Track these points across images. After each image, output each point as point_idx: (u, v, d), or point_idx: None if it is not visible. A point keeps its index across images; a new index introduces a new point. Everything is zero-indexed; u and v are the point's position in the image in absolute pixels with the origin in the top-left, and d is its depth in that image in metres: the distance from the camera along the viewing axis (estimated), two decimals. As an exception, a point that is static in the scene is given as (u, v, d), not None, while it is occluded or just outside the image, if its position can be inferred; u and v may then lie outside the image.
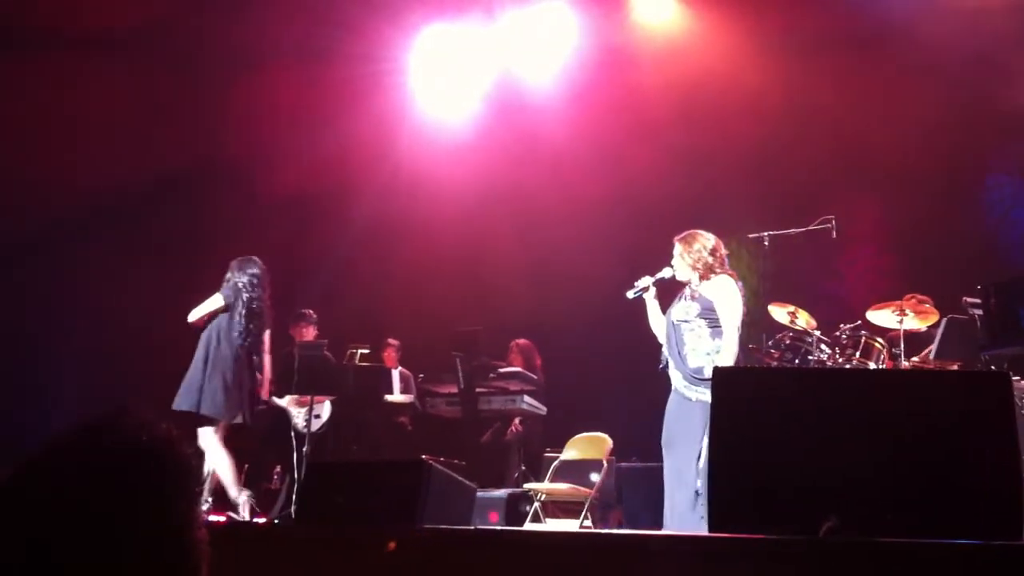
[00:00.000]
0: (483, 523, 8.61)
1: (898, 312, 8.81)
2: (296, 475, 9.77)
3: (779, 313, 9.07)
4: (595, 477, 9.88)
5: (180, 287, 9.41)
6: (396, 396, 11.95)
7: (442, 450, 10.20)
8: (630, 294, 7.60)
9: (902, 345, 8.76)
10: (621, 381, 11.31)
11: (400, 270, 13.28)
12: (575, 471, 10.00)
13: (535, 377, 11.06)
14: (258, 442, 11.23)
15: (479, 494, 7.41)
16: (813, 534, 3.78)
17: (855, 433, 4.17)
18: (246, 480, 11.65)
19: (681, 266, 7.48)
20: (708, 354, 7.20)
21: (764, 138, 11.71)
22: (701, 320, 7.28)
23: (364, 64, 12.64)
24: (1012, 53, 10.66)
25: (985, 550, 3.48)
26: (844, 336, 8.81)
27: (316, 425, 10.51)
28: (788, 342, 8.77)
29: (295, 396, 10.35)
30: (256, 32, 11.83)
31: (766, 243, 9.23)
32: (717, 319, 7.26)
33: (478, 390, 10.67)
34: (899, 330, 8.84)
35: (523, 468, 10.81)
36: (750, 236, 9.40)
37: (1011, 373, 6.16)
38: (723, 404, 4.56)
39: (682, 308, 7.41)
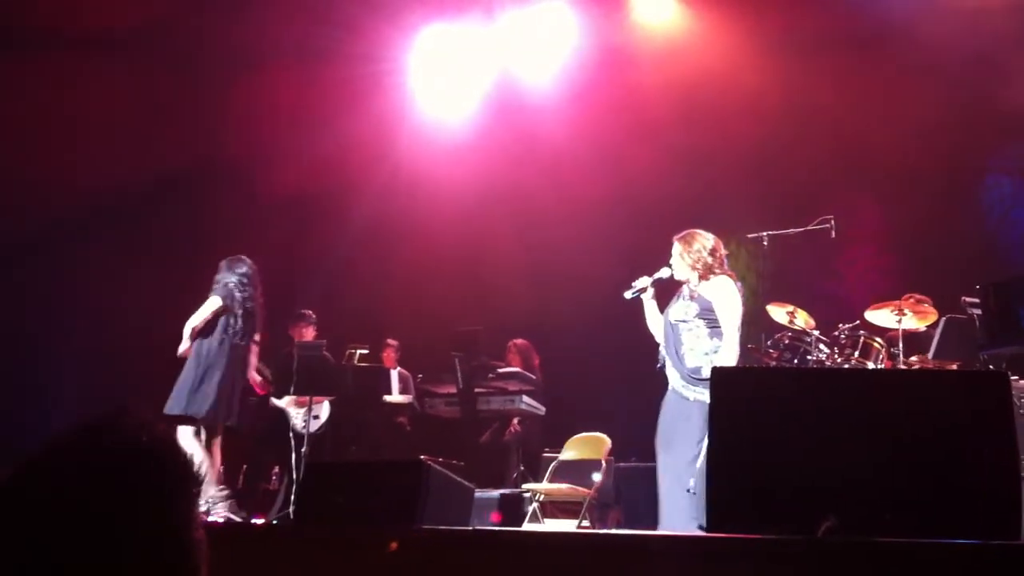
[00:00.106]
0: (482, 523, 8.60)
1: (897, 312, 8.82)
2: (295, 475, 9.76)
3: (778, 313, 9.07)
4: (594, 477, 9.88)
5: (180, 287, 9.41)
6: (395, 396, 11.95)
7: (441, 450, 10.21)
8: (628, 294, 7.59)
9: (901, 345, 8.75)
10: (620, 381, 11.30)
11: (400, 270, 13.29)
12: (574, 471, 10.00)
13: (534, 377, 11.05)
14: (256, 443, 11.24)
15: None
16: (812, 534, 3.78)
17: (854, 433, 4.18)
18: (245, 481, 11.69)
19: (680, 266, 7.47)
20: (706, 354, 7.20)
21: (764, 138, 11.71)
22: (699, 320, 7.27)
23: (364, 64, 12.64)
24: (1012, 53, 10.65)
25: (984, 550, 3.48)
26: (843, 336, 8.81)
27: (315, 425, 10.51)
28: (787, 342, 8.77)
29: (294, 396, 10.34)
30: (256, 32, 11.83)
31: (765, 243, 9.23)
32: (715, 319, 7.25)
33: (477, 390, 10.66)
34: (898, 330, 8.83)
35: (522, 468, 10.80)
36: (749, 236, 9.40)
37: (1010, 373, 6.17)
38: (722, 404, 4.57)
39: (680, 308, 7.40)
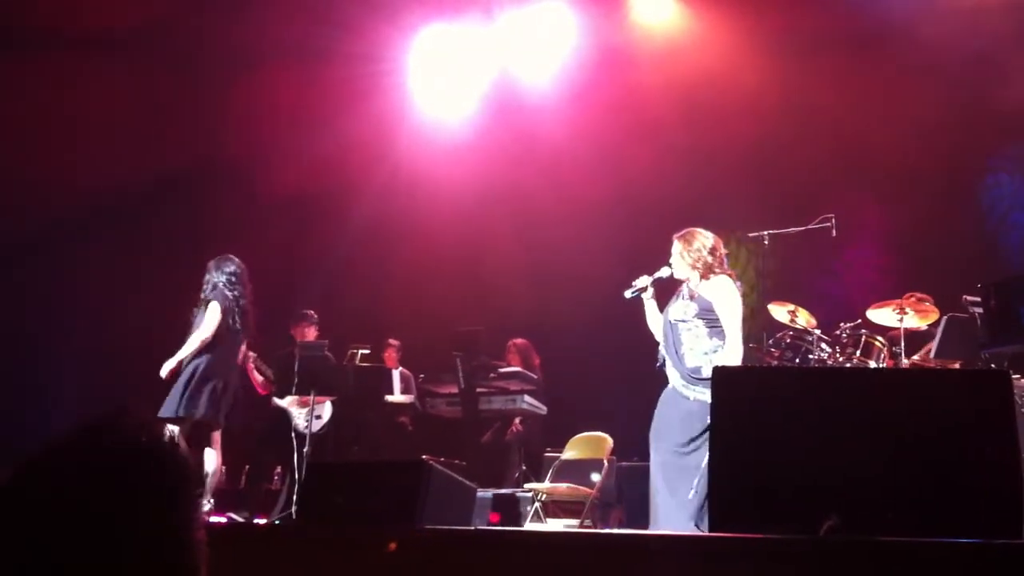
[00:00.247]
0: (482, 523, 8.61)
1: (898, 311, 8.81)
2: (297, 475, 9.75)
3: (779, 312, 9.07)
4: (596, 477, 9.87)
5: (180, 287, 9.39)
6: (397, 396, 11.95)
7: (442, 450, 10.21)
8: (628, 294, 7.57)
9: (903, 344, 8.75)
10: (620, 381, 11.29)
11: (399, 270, 13.28)
12: (576, 471, 9.99)
13: (535, 377, 11.06)
14: (258, 443, 11.24)
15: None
16: (814, 533, 3.78)
17: (856, 432, 4.17)
18: (247, 481, 11.70)
19: (680, 265, 7.44)
20: (706, 353, 7.17)
21: (764, 138, 11.71)
22: (699, 320, 7.25)
23: (363, 64, 12.64)
24: (1011, 53, 10.66)
25: (986, 549, 3.47)
26: (844, 335, 8.81)
27: (317, 425, 10.50)
28: (788, 341, 8.76)
29: (296, 396, 10.34)
30: (256, 32, 11.83)
31: (766, 242, 9.22)
32: (715, 319, 7.22)
33: (478, 390, 10.67)
34: (899, 329, 8.83)
35: (524, 468, 10.81)
36: (750, 235, 9.39)
37: (1011, 371, 6.17)
38: (724, 403, 4.56)
39: (680, 307, 7.38)
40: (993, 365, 7.85)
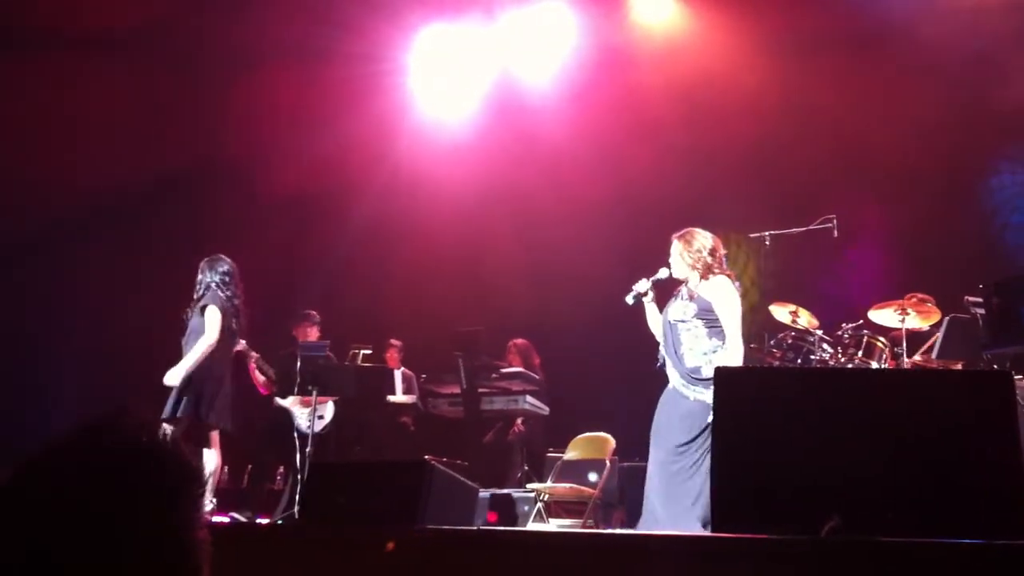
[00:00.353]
0: (481, 523, 8.60)
1: (900, 311, 8.80)
2: (299, 475, 9.75)
3: (781, 312, 9.06)
4: (598, 477, 9.87)
5: (180, 287, 9.37)
6: (399, 397, 11.95)
7: (444, 450, 10.20)
8: (629, 299, 7.55)
9: (904, 344, 8.74)
10: (620, 381, 11.29)
11: (400, 270, 13.28)
12: (578, 471, 9.99)
13: (537, 377, 11.06)
14: (260, 443, 11.24)
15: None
16: (815, 534, 3.77)
17: (857, 433, 4.17)
18: (249, 480, 11.71)
19: (680, 264, 7.44)
20: (705, 354, 7.18)
21: (763, 138, 11.70)
22: (698, 320, 7.25)
23: (364, 64, 12.64)
24: (1011, 53, 10.66)
25: (987, 549, 3.47)
26: (846, 335, 8.80)
27: (319, 425, 10.49)
28: (790, 341, 8.75)
29: (298, 396, 10.34)
30: (256, 32, 11.83)
31: (767, 243, 9.22)
32: (715, 319, 7.22)
33: (480, 390, 10.67)
34: (901, 329, 8.82)
35: (526, 468, 10.82)
36: (751, 236, 9.38)
37: (1013, 372, 6.17)
38: (726, 404, 4.56)
39: (679, 308, 7.38)
40: (995, 366, 7.85)
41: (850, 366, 8.50)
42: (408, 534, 4.69)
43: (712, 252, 7.39)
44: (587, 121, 12.56)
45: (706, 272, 7.35)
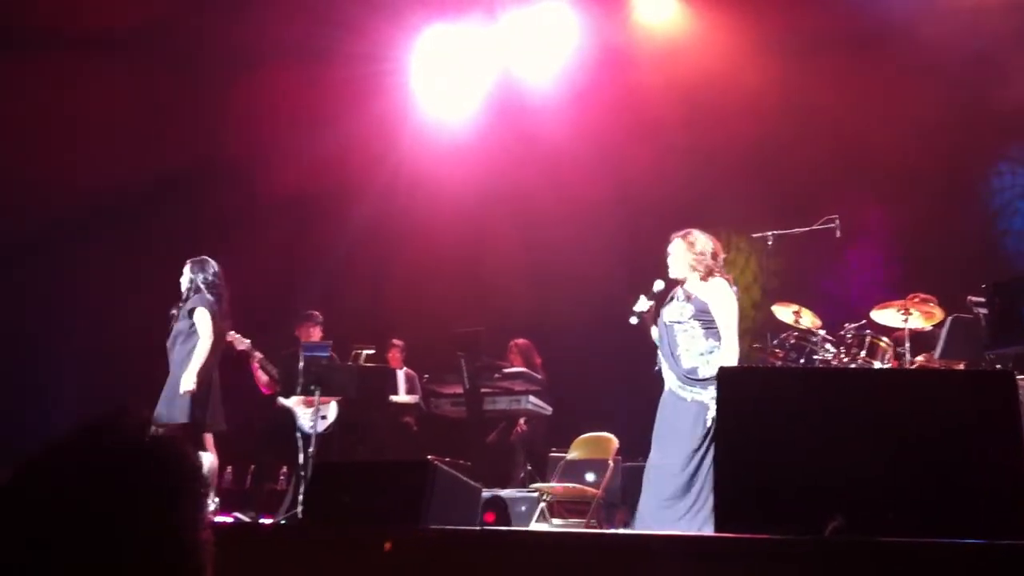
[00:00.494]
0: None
1: (903, 311, 8.78)
2: (302, 476, 9.76)
3: (783, 312, 9.05)
4: (587, 477, 9.86)
5: (180, 287, 9.38)
6: (401, 397, 11.93)
7: (447, 450, 10.18)
8: (634, 320, 7.51)
9: (907, 344, 8.73)
10: (621, 381, 11.28)
11: (400, 270, 13.28)
12: (581, 471, 9.98)
13: (540, 377, 11.06)
14: (263, 443, 11.25)
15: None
16: (818, 534, 3.77)
17: (860, 433, 4.16)
18: (252, 480, 11.72)
19: (680, 264, 7.41)
20: (702, 354, 7.17)
21: (764, 138, 11.71)
22: (695, 321, 7.23)
23: (365, 64, 12.64)
24: (1012, 53, 10.66)
25: (989, 550, 3.46)
26: (849, 335, 8.79)
27: (323, 426, 10.49)
28: (793, 342, 8.75)
29: (301, 396, 10.34)
30: (257, 32, 11.83)
31: (770, 242, 9.21)
32: (711, 320, 7.21)
33: (483, 390, 10.67)
34: (904, 329, 8.81)
35: (529, 468, 10.82)
36: (754, 236, 9.38)
37: (1016, 372, 6.16)
38: (728, 404, 4.56)
39: (676, 309, 7.36)
40: (998, 366, 7.84)
41: (853, 366, 8.49)
42: (411, 534, 4.69)
43: (714, 255, 7.38)
44: (588, 121, 12.56)
45: (707, 274, 7.34)
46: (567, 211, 12.65)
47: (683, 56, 12.32)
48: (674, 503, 6.92)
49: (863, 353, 8.65)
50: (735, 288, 7.37)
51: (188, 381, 8.67)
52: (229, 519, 8.56)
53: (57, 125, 11.22)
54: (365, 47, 12.49)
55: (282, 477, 11.79)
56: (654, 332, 7.57)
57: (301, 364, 9.99)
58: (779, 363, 8.66)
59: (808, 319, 8.94)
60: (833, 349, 8.64)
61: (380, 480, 5.90)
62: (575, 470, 10.00)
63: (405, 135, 13.36)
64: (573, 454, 10.20)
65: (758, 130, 11.69)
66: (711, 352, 7.15)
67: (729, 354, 7.11)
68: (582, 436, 10.30)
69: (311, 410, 10.18)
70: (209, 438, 9.02)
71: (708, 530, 6.40)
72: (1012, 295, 7.42)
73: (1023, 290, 7.44)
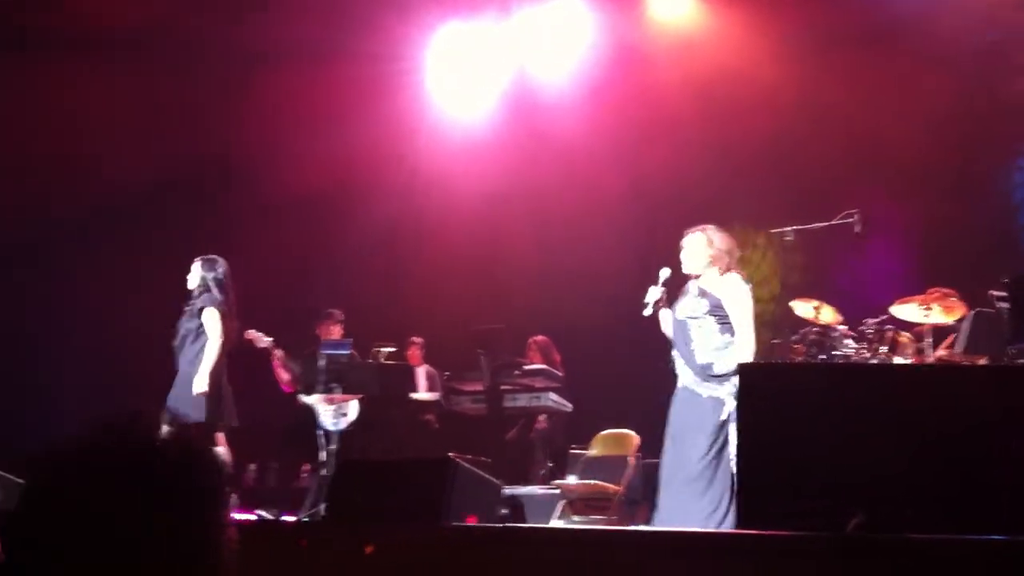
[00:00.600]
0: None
1: (924, 306, 8.74)
2: (324, 473, 9.78)
3: (803, 308, 9.03)
4: (622, 474, 9.85)
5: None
6: (421, 394, 11.93)
7: (467, 448, 10.17)
8: (647, 312, 7.49)
9: (929, 339, 8.70)
10: (639, 377, 11.22)
11: (418, 269, 13.26)
12: (602, 468, 9.96)
13: (560, 374, 11.05)
14: (285, 440, 11.29)
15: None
16: (840, 530, 3.76)
17: (882, 429, 4.15)
18: (275, 479, 11.78)
19: (697, 258, 7.38)
20: (717, 349, 7.16)
21: (780, 133, 11.67)
22: (710, 316, 7.22)
23: (381, 63, 12.62)
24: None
25: (1012, 546, 3.45)
26: (869, 331, 8.76)
27: (344, 423, 10.53)
28: (813, 337, 8.74)
29: (323, 394, 10.38)
30: (274, 32, 11.84)
31: (789, 238, 9.19)
32: (726, 316, 7.20)
33: (503, 387, 10.66)
34: (925, 324, 8.77)
35: (550, 465, 10.82)
36: (773, 231, 9.36)
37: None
38: (750, 400, 4.55)
39: (690, 304, 7.35)
40: (1021, 360, 7.79)
41: (874, 361, 8.47)
42: (433, 531, 4.70)
43: (730, 252, 7.37)
44: (603, 118, 12.54)
45: (724, 270, 7.32)
46: (583, 208, 12.64)
47: (698, 52, 12.30)
48: (693, 499, 6.91)
49: (884, 348, 8.62)
50: (749, 284, 7.36)
51: (201, 383, 8.70)
52: (252, 517, 8.58)
53: (57, 125, 11.25)
54: (381, 46, 12.48)
55: (304, 475, 11.83)
56: (664, 323, 7.54)
57: (322, 362, 10.02)
58: (800, 358, 8.64)
59: (828, 314, 8.92)
60: (854, 344, 8.62)
61: (401, 477, 5.93)
62: (596, 467, 9.99)
63: (421, 134, 13.36)
64: (593, 451, 10.20)
65: (774, 125, 11.66)
66: (726, 347, 7.13)
67: (744, 350, 7.10)
68: (602, 433, 10.29)
69: (332, 408, 10.21)
70: (221, 435, 9.05)
71: (728, 526, 6.40)
72: (1034, 290, 7.40)
73: (1045, 284, 7.41)
